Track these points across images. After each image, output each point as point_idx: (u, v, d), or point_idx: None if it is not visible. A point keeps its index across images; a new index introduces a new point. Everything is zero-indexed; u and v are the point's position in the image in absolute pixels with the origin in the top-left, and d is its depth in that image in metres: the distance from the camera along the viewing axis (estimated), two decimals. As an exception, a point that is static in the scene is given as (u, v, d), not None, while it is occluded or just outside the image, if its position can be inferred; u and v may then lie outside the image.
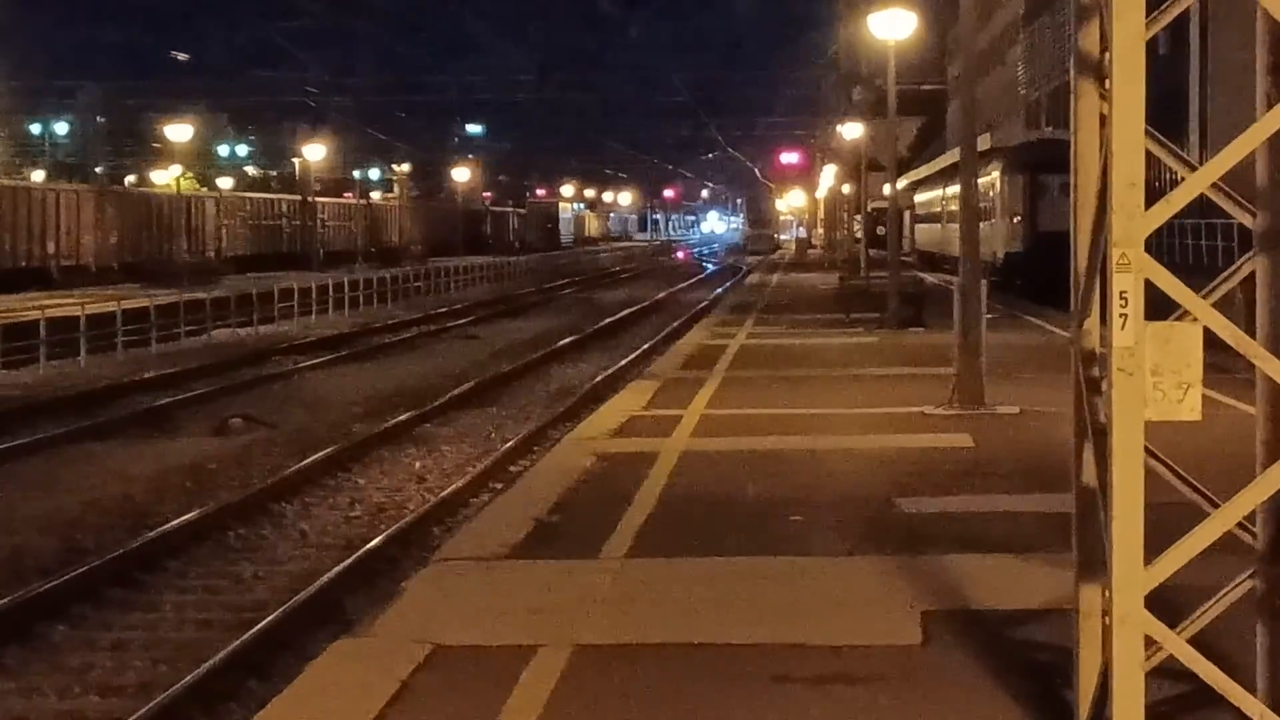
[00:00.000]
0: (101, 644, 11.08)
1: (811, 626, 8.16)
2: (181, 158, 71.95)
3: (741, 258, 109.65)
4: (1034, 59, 68.54)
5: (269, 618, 11.14)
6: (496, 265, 75.65)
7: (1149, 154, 5.48)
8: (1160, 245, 31.88)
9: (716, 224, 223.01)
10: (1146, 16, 5.35)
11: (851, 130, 55.84)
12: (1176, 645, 5.51)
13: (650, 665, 7.54)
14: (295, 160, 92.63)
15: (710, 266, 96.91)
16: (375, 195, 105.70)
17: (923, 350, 24.59)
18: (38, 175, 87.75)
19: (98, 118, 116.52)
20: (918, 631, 8.04)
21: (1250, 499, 5.50)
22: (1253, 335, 5.64)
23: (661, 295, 59.23)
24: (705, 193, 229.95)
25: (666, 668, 7.48)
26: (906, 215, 69.82)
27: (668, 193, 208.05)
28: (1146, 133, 5.39)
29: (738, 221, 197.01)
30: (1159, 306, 5.45)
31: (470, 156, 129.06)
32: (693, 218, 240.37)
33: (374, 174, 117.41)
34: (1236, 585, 5.98)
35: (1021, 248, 42.88)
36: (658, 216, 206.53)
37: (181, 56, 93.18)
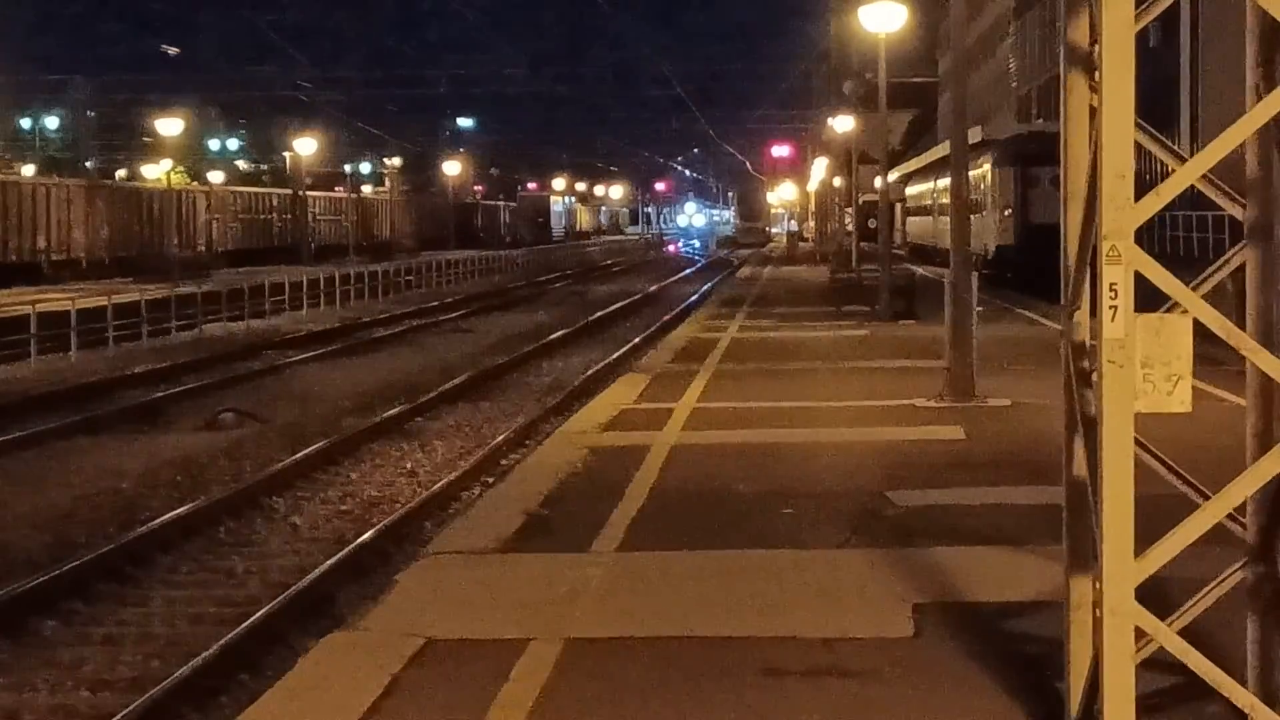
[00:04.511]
0: (93, 639, 11.08)
1: (803, 619, 8.17)
2: (172, 152, 71.70)
3: (733, 251, 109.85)
4: (1025, 51, 68.56)
5: (260, 612, 11.13)
6: (487, 259, 75.61)
7: (1139, 146, 5.48)
8: (1150, 237, 31.90)
9: (695, 217, 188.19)
10: (1136, 8, 5.35)
11: (842, 123, 55.85)
12: (1167, 637, 5.52)
13: (641, 658, 7.54)
14: (286, 154, 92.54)
15: (700, 261, 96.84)
16: (366, 189, 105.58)
17: (914, 343, 24.60)
18: (28, 169, 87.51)
19: (88, 112, 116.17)
20: (909, 624, 8.04)
21: (1240, 491, 5.50)
22: (1243, 327, 5.64)
23: (653, 289, 59.23)
24: (686, 182, 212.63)
25: (658, 661, 7.48)
26: (898, 208, 69.84)
27: (659, 186, 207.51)
28: (1136, 125, 5.39)
29: (727, 214, 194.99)
30: (1149, 298, 5.45)
31: (461, 150, 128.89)
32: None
33: (365, 168, 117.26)
34: (1227, 577, 5.98)
35: (1012, 240, 42.91)
36: (649, 210, 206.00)
37: (172, 50, 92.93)
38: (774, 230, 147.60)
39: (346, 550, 13.22)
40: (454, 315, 45.38)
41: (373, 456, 18.95)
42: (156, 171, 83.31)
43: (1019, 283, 39.37)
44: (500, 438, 19.49)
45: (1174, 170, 5.55)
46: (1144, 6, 5.43)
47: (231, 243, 70.17)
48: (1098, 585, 5.47)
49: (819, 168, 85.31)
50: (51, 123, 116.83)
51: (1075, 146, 5.76)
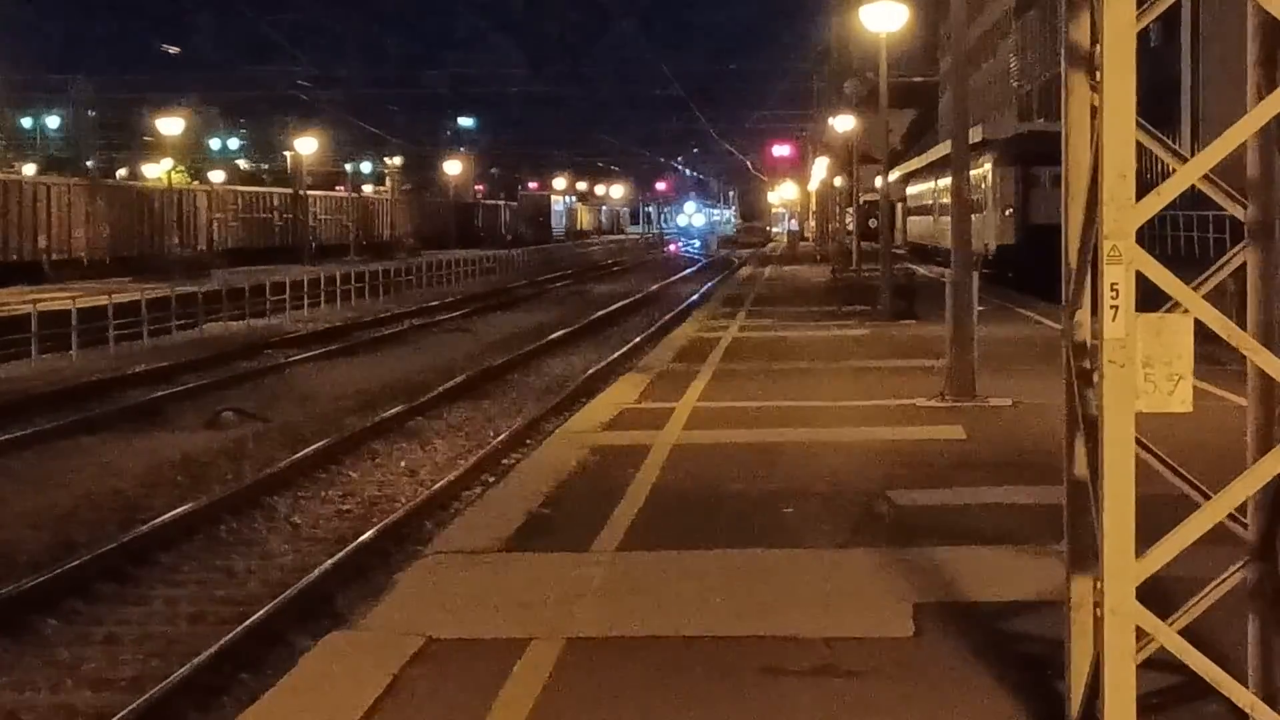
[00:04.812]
0: (93, 638, 11.08)
1: (803, 619, 8.16)
2: (173, 151, 71.73)
3: (733, 250, 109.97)
4: (1025, 51, 68.56)
5: (261, 611, 11.13)
6: (488, 259, 75.59)
7: (1140, 145, 5.48)
8: (1152, 237, 31.90)
9: (695, 216, 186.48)
10: (1138, 8, 5.34)
11: (843, 123, 55.76)
12: (1168, 637, 5.52)
13: (642, 658, 7.54)
14: (287, 154, 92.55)
15: (700, 260, 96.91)
16: (367, 189, 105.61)
17: (915, 342, 24.59)
18: (29, 169, 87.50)
19: (89, 111, 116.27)
20: (909, 623, 8.04)
21: (1241, 490, 5.50)
22: (1244, 327, 5.64)
23: (654, 288, 59.23)
24: (686, 181, 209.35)
25: (658, 660, 7.48)
26: (898, 208, 69.79)
27: (659, 185, 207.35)
28: (1137, 124, 5.39)
29: (727, 213, 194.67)
30: (1150, 298, 5.45)
31: (462, 149, 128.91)
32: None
33: (366, 167, 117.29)
34: (1228, 577, 5.98)
35: (1013, 240, 42.94)
36: (650, 209, 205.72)
37: (173, 50, 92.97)
38: (775, 230, 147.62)
39: (347, 550, 13.22)
40: (454, 315, 45.39)
41: (373, 456, 18.95)
42: (157, 171, 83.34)
43: (1020, 282, 39.36)
44: (501, 437, 19.50)
45: (1175, 170, 5.55)
46: (1145, 7, 5.43)
47: (232, 242, 70.14)
48: (1099, 585, 5.46)
49: (820, 167, 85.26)
50: (52, 122, 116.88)
51: (1076, 146, 5.76)
